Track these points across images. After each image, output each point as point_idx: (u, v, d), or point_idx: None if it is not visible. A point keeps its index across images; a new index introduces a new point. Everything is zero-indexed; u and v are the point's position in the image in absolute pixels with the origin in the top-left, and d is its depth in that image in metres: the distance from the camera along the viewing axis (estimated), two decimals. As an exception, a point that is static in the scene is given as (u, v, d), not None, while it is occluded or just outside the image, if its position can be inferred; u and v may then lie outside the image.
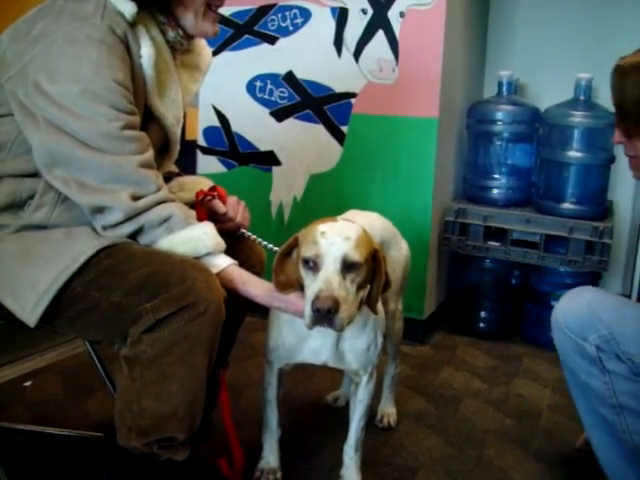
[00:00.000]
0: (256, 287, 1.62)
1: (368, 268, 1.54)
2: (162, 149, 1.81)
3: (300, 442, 2.13)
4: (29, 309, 1.49)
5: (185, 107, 1.84)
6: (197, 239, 1.56)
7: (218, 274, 1.57)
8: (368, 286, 1.61)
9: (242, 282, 1.61)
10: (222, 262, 1.61)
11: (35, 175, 1.59)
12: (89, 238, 1.55)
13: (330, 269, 1.47)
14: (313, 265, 1.49)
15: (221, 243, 1.62)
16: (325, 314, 1.43)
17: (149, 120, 1.70)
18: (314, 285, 1.48)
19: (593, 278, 3.11)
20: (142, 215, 1.53)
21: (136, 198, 1.52)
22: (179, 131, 1.81)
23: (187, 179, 1.98)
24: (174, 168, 2.00)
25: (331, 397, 2.40)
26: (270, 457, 1.91)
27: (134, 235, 1.56)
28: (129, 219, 1.52)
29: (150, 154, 1.59)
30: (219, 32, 1.76)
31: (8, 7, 2.36)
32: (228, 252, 1.64)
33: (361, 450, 1.86)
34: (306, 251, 1.51)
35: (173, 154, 1.86)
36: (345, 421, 1.86)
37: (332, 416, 2.29)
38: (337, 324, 1.45)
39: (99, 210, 1.53)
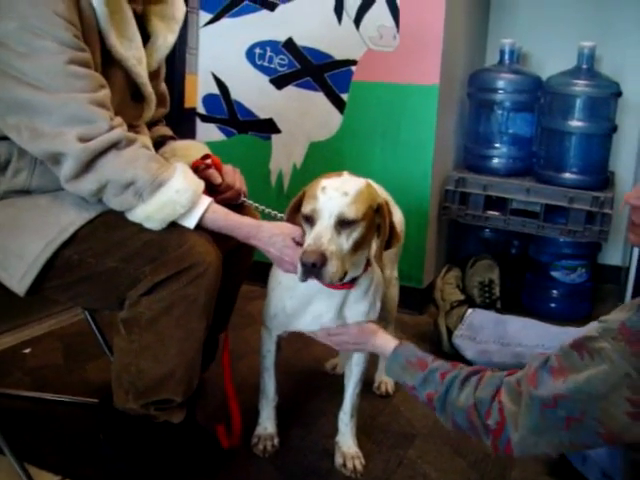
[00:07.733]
0: (242, 216, 1.61)
1: (368, 224, 1.54)
2: (136, 97, 1.70)
3: (298, 409, 2.14)
4: (18, 278, 1.49)
5: (162, 59, 1.76)
6: (171, 202, 1.49)
7: (202, 220, 1.54)
8: (374, 244, 1.63)
9: (225, 213, 1.58)
10: (198, 211, 1.55)
11: (9, 137, 1.50)
12: (78, 208, 1.51)
13: (324, 224, 1.48)
14: (311, 220, 1.51)
15: (197, 185, 1.55)
16: (310, 268, 1.44)
17: (111, 64, 1.58)
18: (307, 239, 1.50)
19: (593, 248, 3.11)
20: (98, 162, 1.43)
21: (85, 140, 1.42)
22: (144, 73, 1.67)
23: (180, 144, 1.91)
24: (168, 131, 1.95)
25: (329, 365, 2.41)
26: (267, 423, 1.92)
27: (104, 199, 1.49)
28: (85, 168, 1.43)
29: (105, 94, 1.48)
30: None
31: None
32: None
33: (356, 417, 1.88)
34: (305, 206, 1.53)
35: (150, 101, 1.73)
36: (343, 389, 1.87)
37: (330, 384, 2.29)
38: (325, 277, 1.46)
39: (55, 160, 1.44)
